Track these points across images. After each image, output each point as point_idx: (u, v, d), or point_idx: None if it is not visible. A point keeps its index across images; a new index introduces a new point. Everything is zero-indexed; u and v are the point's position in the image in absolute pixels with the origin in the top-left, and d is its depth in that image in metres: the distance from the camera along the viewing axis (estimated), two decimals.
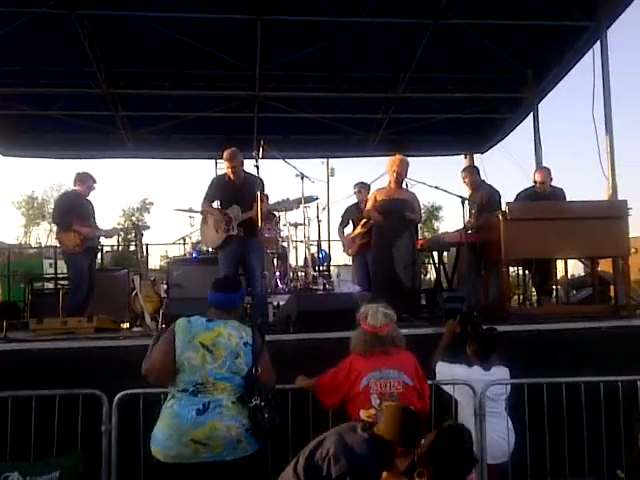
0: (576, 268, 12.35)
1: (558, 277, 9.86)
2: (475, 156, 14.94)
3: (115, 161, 19.97)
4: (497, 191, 8.85)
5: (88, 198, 8.61)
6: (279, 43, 10.74)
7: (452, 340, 5.74)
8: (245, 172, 7.65)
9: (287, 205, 8.34)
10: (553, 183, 8.75)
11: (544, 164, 11.32)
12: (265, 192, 7.66)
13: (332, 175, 29.60)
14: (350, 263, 10.60)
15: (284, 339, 6.14)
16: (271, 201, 8.11)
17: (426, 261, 12.10)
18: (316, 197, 9.53)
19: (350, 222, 9.73)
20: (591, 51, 9.74)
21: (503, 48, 10.92)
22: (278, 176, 12.79)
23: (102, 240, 10.28)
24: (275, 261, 10.09)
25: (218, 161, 15.74)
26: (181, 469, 3.85)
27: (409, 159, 8.31)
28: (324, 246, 12.78)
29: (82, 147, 13.48)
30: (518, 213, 7.51)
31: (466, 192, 8.83)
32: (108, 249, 21.36)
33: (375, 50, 11.12)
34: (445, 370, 5.30)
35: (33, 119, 12.45)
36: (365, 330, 4.70)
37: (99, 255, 11.17)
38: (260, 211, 7.23)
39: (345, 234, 9.82)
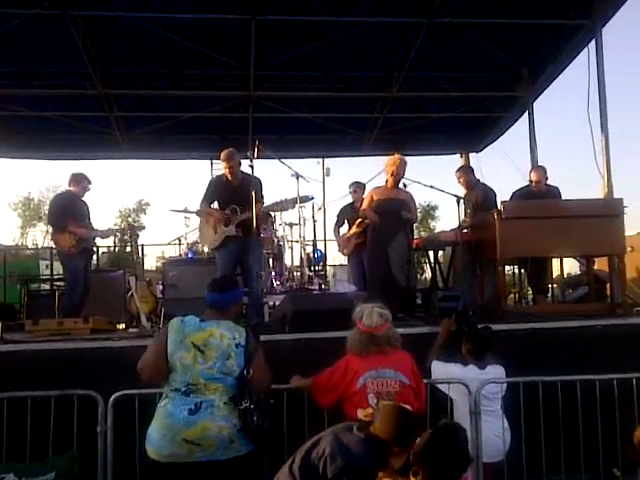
0: (572, 267, 12.35)
1: (554, 276, 9.87)
2: (471, 155, 14.97)
3: (111, 162, 19.91)
4: (492, 190, 8.84)
5: (83, 199, 8.58)
6: (273, 43, 10.73)
7: (447, 339, 5.75)
8: (243, 172, 7.65)
9: (282, 205, 8.33)
10: (549, 182, 8.76)
11: (539, 163, 11.34)
12: (262, 194, 7.66)
13: (328, 175, 29.53)
14: (346, 263, 10.58)
15: (279, 339, 6.13)
16: (267, 202, 8.11)
17: (422, 260, 12.09)
18: (311, 197, 9.51)
19: (345, 222, 9.72)
20: (586, 49, 9.77)
21: (498, 47, 10.91)
22: (273, 176, 12.83)
23: (98, 241, 10.26)
24: (271, 261, 10.09)
25: (214, 161, 15.77)
26: (176, 468, 3.85)
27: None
28: (320, 246, 12.79)
29: (77, 148, 13.49)
30: (513, 212, 7.52)
31: (461, 192, 8.83)
32: (104, 250, 21.33)
33: (370, 49, 11.13)
34: (440, 369, 5.30)
35: (28, 120, 12.43)
36: (361, 330, 4.69)
37: (95, 256, 11.16)
38: (256, 212, 7.23)
39: (340, 234, 9.80)
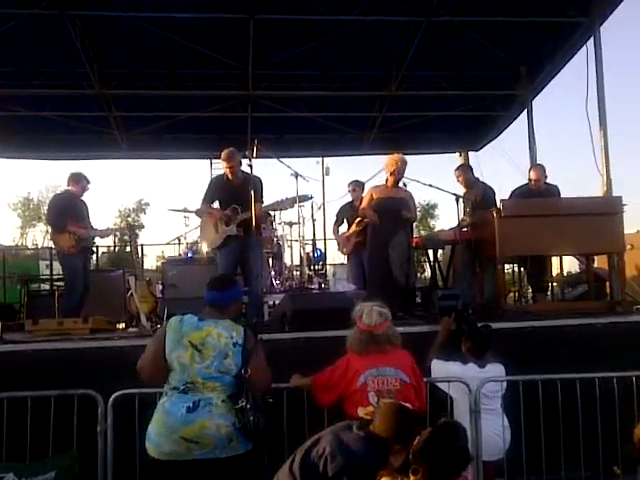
0: (572, 265, 12.34)
1: (554, 274, 9.87)
2: (470, 154, 14.96)
3: (111, 162, 19.96)
4: (492, 188, 8.84)
5: (82, 198, 8.57)
6: (272, 42, 10.73)
7: (447, 338, 5.75)
8: (243, 172, 7.64)
9: (282, 204, 8.33)
10: (548, 180, 8.76)
11: (538, 161, 11.34)
12: (262, 194, 7.66)
13: (327, 174, 29.48)
14: (346, 262, 10.58)
15: (279, 338, 6.13)
16: (267, 202, 8.11)
17: (422, 259, 12.10)
18: (311, 196, 9.52)
19: (345, 221, 9.71)
20: (585, 48, 9.77)
21: (496, 45, 10.92)
22: (272, 176, 12.78)
23: (98, 241, 10.28)
24: (270, 260, 10.10)
25: (213, 161, 15.77)
26: (176, 466, 3.85)
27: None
28: (320, 245, 12.79)
29: (76, 148, 13.49)
30: (512, 210, 7.52)
31: (461, 190, 8.83)
32: (104, 250, 21.35)
33: (368, 48, 11.13)
34: (440, 368, 5.30)
35: (26, 120, 12.43)
36: (361, 329, 4.70)
37: (95, 256, 11.17)
38: (255, 211, 7.23)
39: (340, 233, 9.80)
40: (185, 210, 11.72)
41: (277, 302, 8.16)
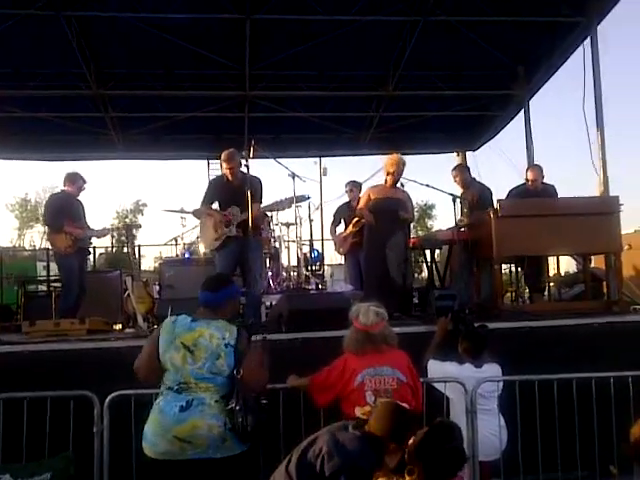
0: (570, 265, 12.38)
1: (550, 274, 9.88)
2: (468, 154, 14.97)
3: (108, 163, 19.92)
4: (488, 189, 8.86)
5: (78, 198, 8.55)
6: (268, 42, 10.72)
7: (444, 338, 5.73)
8: (243, 173, 7.64)
9: (279, 205, 8.33)
10: (545, 180, 8.76)
11: (535, 161, 11.35)
12: (262, 194, 7.66)
13: (325, 175, 29.44)
14: (343, 262, 10.59)
15: (276, 339, 6.11)
16: (265, 203, 8.10)
17: (419, 259, 12.11)
18: (308, 196, 9.51)
19: (342, 221, 9.71)
20: (582, 48, 9.78)
21: (493, 45, 10.91)
22: (269, 176, 12.74)
23: (96, 241, 10.25)
24: (267, 261, 10.09)
25: (211, 161, 15.75)
26: (171, 466, 3.85)
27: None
28: (317, 246, 12.80)
29: (72, 149, 13.50)
30: (509, 210, 7.52)
31: (458, 190, 8.83)
32: (102, 251, 21.35)
33: (365, 48, 11.12)
34: (436, 368, 5.29)
35: (23, 121, 12.43)
36: (357, 329, 4.70)
37: (92, 256, 11.16)
38: (251, 212, 7.23)
39: (337, 233, 9.80)
40: (182, 211, 11.73)
41: (274, 303, 8.15)
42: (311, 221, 11.03)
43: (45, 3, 9.14)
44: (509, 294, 10.62)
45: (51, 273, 12.20)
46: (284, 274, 10.20)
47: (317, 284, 10.22)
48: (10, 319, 9.89)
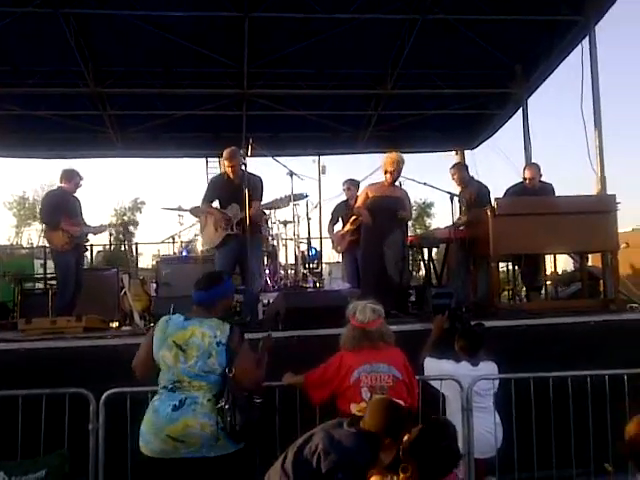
0: (567, 264, 12.37)
1: (547, 272, 9.88)
2: (466, 152, 14.98)
3: (106, 161, 19.98)
4: (486, 187, 8.85)
5: (75, 195, 8.54)
6: (267, 40, 10.71)
7: (440, 336, 5.73)
8: (244, 171, 7.64)
9: (276, 203, 8.34)
10: (542, 179, 8.76)
11: (534, 160, 11.35)
12: (262, 192, 7.67)
13: (324, 173, 29.42)
14: (341, 260, 10.59)
15: (272, 336, 6.12)
16: (263, 201, 8.09)
17: (417, 258, 12.12)
18: (306, 195, 9.52)
19: (339, 219, 9.71)
20: (580, 47, 9.77)
21: (492, 43, 10.91)
22: (267, 174, 12.79)
23: (93, 239, 10.26)
24: (265, 259, 10.09)
25: (209, 159, 15.75)
26: (167, 465, 3.87)
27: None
28: (315, 244, 12.80)
29: (71, 147, 13.47)
30: (506, 208, 7.53)
31: (456, 189, 8.84)
32: (100, 249, 21.33)
33: (363, 46, 11.10)
34: (433, 366, 5.30)
35: (21, 119, 12.38)
36: (354, 326, 4.72)
37: (89, 254, 11.15)
38: (249, 210, 7.23)
39: (334, 231, 9.79)
40: (179, 209, 11.71)
41: (271, 300, 8.15)
42: (309, 219, 11.02)
43: (43, 1, 9.13)
44: (506, 292, 10.64)
45: (48, 271, 12.20)
46: (282, 272, 10.20)
47: (315, 282, 10.22)
48: (6, 317, 9.88)
